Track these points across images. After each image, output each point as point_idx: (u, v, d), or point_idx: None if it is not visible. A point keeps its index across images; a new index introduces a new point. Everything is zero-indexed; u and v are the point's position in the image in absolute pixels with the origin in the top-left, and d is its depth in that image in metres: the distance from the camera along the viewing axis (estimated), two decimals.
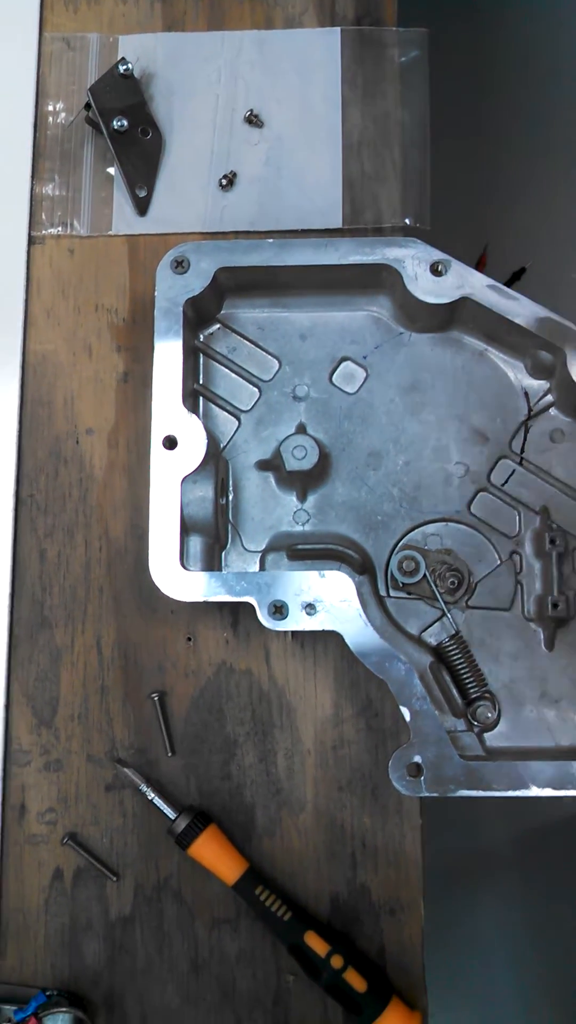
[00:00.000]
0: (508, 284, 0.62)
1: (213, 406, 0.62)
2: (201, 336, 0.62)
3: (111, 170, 0.67)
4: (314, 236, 0.65)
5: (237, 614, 0.62)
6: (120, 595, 0.63)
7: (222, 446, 0.61)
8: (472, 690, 0.57)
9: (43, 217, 0.67)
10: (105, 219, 0.66)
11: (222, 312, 0.62)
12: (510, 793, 0.53)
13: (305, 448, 0.58)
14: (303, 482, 0.60)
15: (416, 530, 0.60)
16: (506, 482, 0.60)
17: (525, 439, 0.60)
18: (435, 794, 0.53)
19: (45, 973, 0.59)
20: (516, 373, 0.61)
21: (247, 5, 0.69)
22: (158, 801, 0.59)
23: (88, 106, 0.64)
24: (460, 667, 0.57)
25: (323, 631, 0.54)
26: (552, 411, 0.60)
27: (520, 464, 0.60)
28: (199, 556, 0.58)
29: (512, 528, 0.60)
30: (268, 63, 0.68)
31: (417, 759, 0.53)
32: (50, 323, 0.66)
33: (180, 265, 0.58)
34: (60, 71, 0.68)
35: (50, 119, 0.68)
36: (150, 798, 0.59)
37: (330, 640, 0.62)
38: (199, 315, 0.60)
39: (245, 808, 0.60)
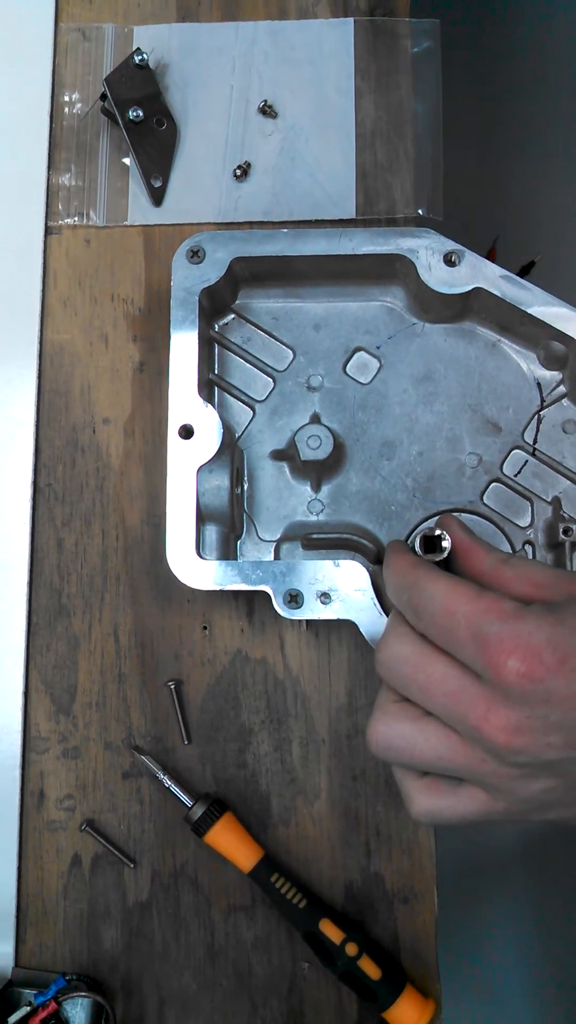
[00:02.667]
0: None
1: (228, 396, 0.62)
2: (216, 326, 0.62)
3: (127, 160, 0.67)
4: (328, 226, 0.65)
5: (252, 603, 0.62)
6: (137, 584, 0.63)
7: (237, 436, 0.61)
8: None
9: (59, 207, 0.67)
10: (121, 209, 0.67)
11: (237, 302, 0.62)
12: None
13: (320, 438, 0.58)
14: (317, 472, 0.60)
15: (430, 520, 0.60)
16: (519, 472, 0.60)
17: (538, 430, 0.61)
18: None
19: (64, 958, 0.60)
20: (529, 364, 0.61)
21: None
22: (175, 788, 0.59)
23: (104, 96, 0.64)
24: None
25: (337, 621, 0.54)
26: (565, 402, 0.60)
27: (533, 455, 0.60)
28: (215, 545, 0.58)
29: (525, 519, 0.60)
30: (282, 54, 0.68)
31: None
32: (67, 313, 0.66)
33: (196, 255, 0.58)
34: (76, 62, 0.68)
35: (66, 110, 0.68)
36: (167, 785, 0.59)
37: (344, 630, 0.62)
38: (214, 305, 0.61)
39: (260, 796, 0.61)
